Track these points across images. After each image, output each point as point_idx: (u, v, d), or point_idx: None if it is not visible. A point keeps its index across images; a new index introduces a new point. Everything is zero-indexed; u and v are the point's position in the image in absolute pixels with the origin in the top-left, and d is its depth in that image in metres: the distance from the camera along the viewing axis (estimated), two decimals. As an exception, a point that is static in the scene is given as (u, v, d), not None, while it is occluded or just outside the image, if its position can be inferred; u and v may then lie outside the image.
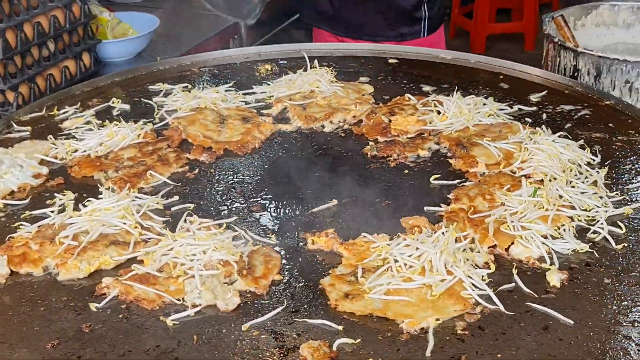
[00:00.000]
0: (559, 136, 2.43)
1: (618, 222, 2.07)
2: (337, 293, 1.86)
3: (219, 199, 2.28)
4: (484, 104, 2.69)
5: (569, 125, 2.63)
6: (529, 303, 1.82)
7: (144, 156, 2.44)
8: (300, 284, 1.91)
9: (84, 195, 2.28)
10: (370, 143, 2.56)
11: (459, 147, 2.45)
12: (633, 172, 2.33)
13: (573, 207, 2.13)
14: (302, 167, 2.44)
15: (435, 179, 2.34)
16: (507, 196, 2.14)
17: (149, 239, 2.07)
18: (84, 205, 2.16)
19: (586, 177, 2.26)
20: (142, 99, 2.89)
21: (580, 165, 2.33)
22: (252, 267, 1.95)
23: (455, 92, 2.74)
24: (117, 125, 2.58)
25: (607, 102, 2.77)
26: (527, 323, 1.76)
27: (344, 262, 1.97)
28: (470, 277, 1.86)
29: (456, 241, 1.97)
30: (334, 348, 1.70)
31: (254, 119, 2.68)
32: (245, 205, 2.25)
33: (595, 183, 2.25)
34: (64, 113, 2.80)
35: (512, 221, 2.05)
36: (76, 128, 2.68)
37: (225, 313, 1.83)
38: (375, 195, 2.27)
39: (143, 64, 3.51)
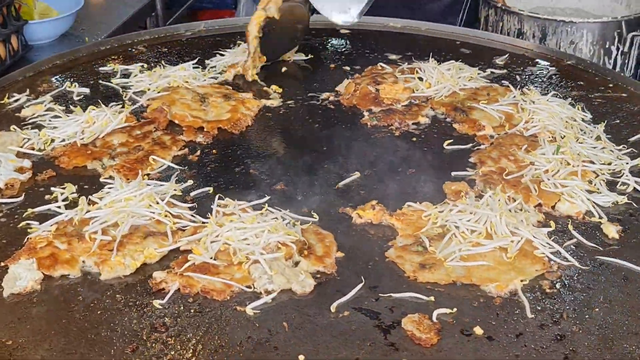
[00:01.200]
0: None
1: (639, 172, 2.12)
2: (410, 264, 1.80)
3: (236, 180, 2.16)
4: (461, 69, 2.69)
5: (545, 85, 2.67)
6: (598, 257, 1.83)
7: (137, 141, 2.26)
8: (366, 259, 1.83)
9: (85, 187, 2.07)
10: (366, 113, 2.49)
11: (458, 112, 2.45)
12: (627, 126, 2.40)
13: (592, 162, 2.17)
14: (307, 141, 2.37)
15: (448, 144, 2.30)
16: (534, 156, 2.15)
17: (185, 227, 1.91)
18: (97, 199, 2.00)
19: (585, 133, 2.32)
20: (98, 82, 2.66)
21: (577, 122, 2.37)
22: (310, 246, 1.84)
23: (430, 59, 2.71)
24: (93, 109, 2.35)
25: (569, 62, 2.85)
26: (606, 276, 1.78)
27: (400, 233, 1.92)
28: (535, 237, 1.85)
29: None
30: (434, 319, 1.63)
31: (235, 96, 2.54)
32: (267, 184, 2.14)
33: (598, 138, 2.30)
34: (16, 101, 2.51)
35: (549, 179, 2.05)
36: (39, 116, 2.41)
37: (302, 296, 1.71)
38: (394, 164, 2.22)
39: (71, 46, 3.25)
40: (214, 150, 2.28)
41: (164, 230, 1.90)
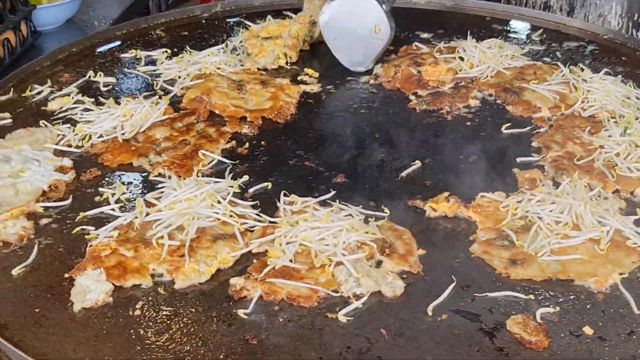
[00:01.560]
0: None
1: None
2: (499, 260, 1.71)
3: (292, 174, 2.05)
4: (501, 47, 2.59)
5: (588, 61, 2.59)
6: (693, 243, 1.76)
7: (181, 134, 2.12)
8: (450, 256, 1.74)
9: (135, 186, 1.94)
10: (412, 97, 2.38)
11: (509, 93, 2.36)
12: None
13: (658, 142, 2.09)
14: (357, 129, 2.26)
15: (506, 128, 2.21)
16: (601, 138, 2.08)
17: (252, 227, 1.79)
18: (154, 200, 1.89)
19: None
20: (123, 70, 2.50)
21: (633, 101, 2.30)
22: (391, 244, 1.74)
23: (468, 37, 2.61)
24: (129, 101, 2.21)
25: (606, 37, 2.76)
26: None
27: (480, 227, 1.83)
28: (624, 226, 1.77)
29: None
30: (539, 320, 1.55)
31: (272, 82, 2.42)
32: (326, 177, 2.03)
33: (658, 117, 2.23)
34: (38, 93, 2.36)
35: (622, 163, 1.97)
36: (68, 109, 2.26)
37: (393, 299, 1.61)
38: (454, 151, 2.12)
39: (79, 31, 3.08)
40: (262, 142, 2.16)
41: (231, 232, 1.78)
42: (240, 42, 2.63)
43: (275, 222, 1.81)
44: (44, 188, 1.93)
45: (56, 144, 2.11)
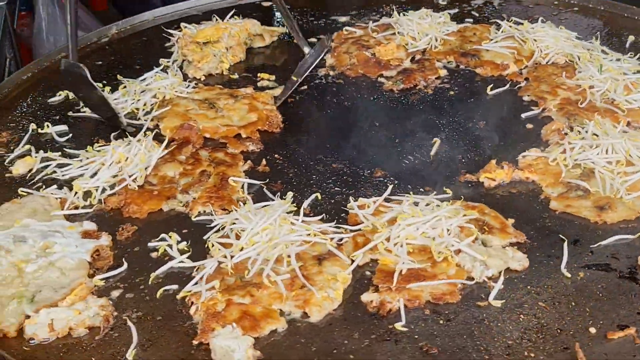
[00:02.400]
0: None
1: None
2: (588, 210, 1.80)
3: (328, 178, 1.98)
4: (429, 15, 2.66)
5: (504, 14, 2.74)
6: None
7: (194, 167, 1.98)
8: (536, 218, 1.80)
9: (183, 231, 1.79)
10: (383, 80, 2.39)
11: (469, 58, 2.45)
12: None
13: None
14: (353, 121, 2.22)
15: (491, 90, 2.29)
16: (585, 79, 2.22)
17: (341, 240, 1.73)
18: (225, 241, 1.74)
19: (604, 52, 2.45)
20: (66, 114, 2.26)
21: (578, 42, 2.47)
22: (481, 221, 1.76)
23: (395, 13, 2.66)
24: (118, 145, 2.01)
25: (502, -10, 2.92)
26: None
27: (544, 184, 1.89)
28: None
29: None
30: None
31: (238, 93, 2.32)
32: (364, 174, 2.00)
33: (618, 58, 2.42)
34: None
35: (619, 97, 2.14)
36: (38, 170, 2.02)
37: (524, 272, 1.64)
38: (460, 122, 2.17)
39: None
40: (275, 155, 2.05)
41: (324, 251, 1.70)
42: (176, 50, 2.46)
43: (359, 230, 1.73)
44: (87, 259, 1.69)
45: (63, 209, 1.84)
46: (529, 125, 2.11)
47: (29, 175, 2.01)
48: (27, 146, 2.12)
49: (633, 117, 2.06)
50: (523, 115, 2.15)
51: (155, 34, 2.69)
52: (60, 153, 2.07)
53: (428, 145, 2.06)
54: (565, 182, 1.85)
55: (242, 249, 1.67)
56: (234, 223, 1.75)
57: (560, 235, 1.71)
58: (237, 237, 1.71)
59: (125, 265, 1.69)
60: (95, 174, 1.96)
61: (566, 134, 2.01)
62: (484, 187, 1.89)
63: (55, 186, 1.95)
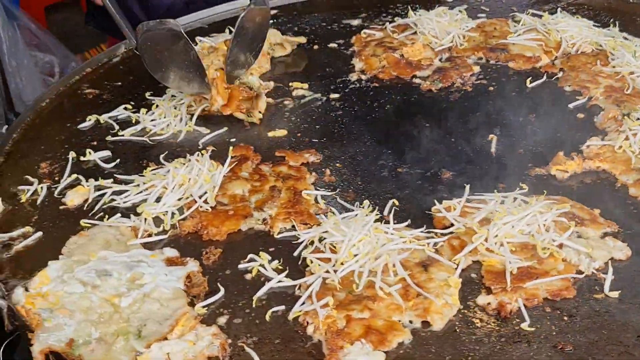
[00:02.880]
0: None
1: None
2: (666, 196, 1.81)
3: (398, 184, 1.96)
4: (445, 13, 2.67)
5: (512, 6, 2.77)
6: None
7: (262, 183, 1.93)
8: (620, 205, 1.83)
9: (270, 249, 1.75)
10: (418, 80, 2.39)
11: (498, 52, 2.46)
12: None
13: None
14: (403, 125, 2.20)
15: (530, 83, 2.31)
16: (623, 66, 2.26)
17: (436, 245, 1.72)
18: (322, 257, 1.70)
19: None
20: (105, 139, 2.19)
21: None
22: (571, 214, 1.77)
23: (410, 12, 2.66)
24: (176, 167, 1.95)
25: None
26: None
27: (617, 172, 1.92)
28: None
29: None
30: None
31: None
32: (431, 176, 1.99)
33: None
34: (32, 194, 1.98)
35: None
36: (94, 200, 1.94)
37: (627, 260, 1.66)
38: (509, 117, 2.18)
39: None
40: (337, 164, 2.02)
41: (425, 257, 1.68)
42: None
43: (451, 233, 1.71)
44: (181, 287, 1.63)
45: (137, 238, 1.77)
46: (580, 115, 2.13)
47: (85, 205, 1.90)
48: (74, 175, 2.00)
49: (678, 106, 2.09)
50: (571, 106, 2.16)
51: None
52: (112, 180, 1.97)
53: (485, 142, 2.05)
54: (638, 168, 1.86)
55: (342, 263, 1.62)
56: (323, 237, 1.70)
57: (642, 219, 1.71)
58: (332, 251, 1.66)
59: (222, 289, 1.63)
60: (159, 198, 1.87)
61: (622, 120, 2.02)
62: (557, 179, 1.89)
63: (118, 214, 1.86)
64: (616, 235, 1.69)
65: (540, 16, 2.55)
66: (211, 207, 1.83)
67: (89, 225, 1.83)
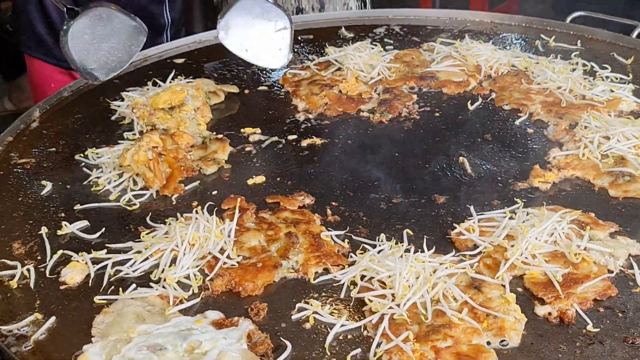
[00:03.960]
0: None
1: None
2: (645, 190, 2.03)
3: (396, 215, 2.01)
4: (363, 47, 2.80)
5: (412, 37, 2.97)
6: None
7: (275, 231, 1.93)
8: (609, 206, 2.00)
9: (314, 295, 1.77)
10: (366, 114, 2.48)
11: (429, 80, 2.61)
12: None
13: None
14: (370, 158, 2.26)
15: (471, 105, 2.49)
16: (548, 81, 2.49)
17: (472, 266, 1.82)
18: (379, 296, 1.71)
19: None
20: (70, 211, 2.08)
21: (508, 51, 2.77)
22: (577, 220, 1.94)
23: (329, 49, 2.76)
24: (182, 226, 1.91)
25: (392, 17, 3.15)
26: None
27: (591, 178, 2.10)
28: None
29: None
30: None
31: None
32: (426, 203, 2.06)
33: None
34: (20, 279, 1.86)
35: (586, 92, 2.44)
36: (97, 275, 1.86)
37: None
38: (467, 139, 2.31)
39: None
40: (332, 203, 2.06)
41: (468, 279, 1.77)
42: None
43: (480, 253, 1.81)
44: (247, 349, 1.60)
45: (170, 306, 1.70)
46: (529, 130, 2.29)
47: (90, 281, 1.78)
48: (59, 252, 1.87)
49: (610, 107, 2.33)
50: (517, 122, 2.33)
51: (83, 109, 2.51)
52: (105, 250, 1.86)
53: (458, 164, 2.15)
54: (607, 171, 2.05)
55: (394, 296, 1.65)
56: (364, 275, 1.72)
57: (641, 217, 1.89)
58: (382, 287, 1.68)
59: (289, 344, 1.59)
60: (173, 261, 1.79)
61: (573, 131, 2.21)
62: (541, 190, 2.03)
63: (134, 285, 1.75)
64: (621, 234, 1.83)
65: (449, 44, 2.69)
66: (237, 262, 1.77)
67: (105, 301, 1.69)
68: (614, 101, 2.34)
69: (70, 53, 2.17)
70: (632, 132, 2.13)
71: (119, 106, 2.42)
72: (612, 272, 1.72)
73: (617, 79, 2.51)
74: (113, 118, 2.44)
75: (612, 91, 2.41)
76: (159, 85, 2.49)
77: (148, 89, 2.45)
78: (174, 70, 2.57)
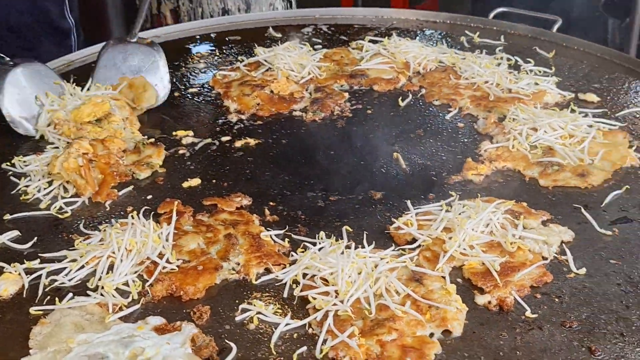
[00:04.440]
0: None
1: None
2: (575, 180, 2.08)
3: (340, 211, 2.02)
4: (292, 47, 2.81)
5: (339, 37, 3.00)
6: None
7: (214, 233, 1.91)
8: (539, 195, 2.06)
9: (256, 295, 1.78)
10: (299, 113, 2.49)
11: (359, 78, 2.64)
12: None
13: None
14: (307, 157, 2.27)
15: (402, 101, 2.53)
16: (473, 76, 2.55)
17: (412, 259, 1.86)
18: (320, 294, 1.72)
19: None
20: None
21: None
22: (510, 211, 1.98)
23: (258, 49, 2.77)
24: (117, 232, 1.88)
25: (318, 16, 3.18)
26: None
27: (521, 169, 2.15)
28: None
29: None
30: (650, 197, 2.04)
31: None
32: (364, 199, 2.07)
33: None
34: None
35: (511, 85, 2.51)
36: (30, 285, 1.82)
37: (575, 242, 1.90)
38: (400, 135, 2.34)
39: None
40: (270, 203, 2.05)
41: (409, 273, 1.79)
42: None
43: (419, 246, 1.84)
44: (192, 352, 1.59)
45: (109, 314, 1.68)
46: (460, 124, 2.34)
47: (24, 292, 1.74)
48: (-5, 279, 1.81)
49: (536, 99, 2.39)
50: (447, 117, 2.37)
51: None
52: (39, 260, 1.82)
53: (391, 160, 2.18)
54: (536, 162, 2.11)
55: (337, 293, 1.66)
56: (306, 273, 1.73)
57: (574, 205, 1.95)
58: (325, 284, 1.69)
59: (234, 345, 1.58)
60: (110, 268, 1.77)
61: (502, 123, 2.26)
62: (475, 183, 2.07)
63: (70, 294, 1.72)
64: (553, 222, 1.89)
65: (378, 41, 2.73)
66: (178, 267, 1.75)
67: (41, 312, 1.65)
68: (539, 94, 2.40)
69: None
70: (558, 123, 2.18)
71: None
72: (547, 259, 1.77)
73: (540, 72, 2.57)
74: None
75: (536, 84, 2.46)
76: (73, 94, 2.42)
77: (64, 99, 2.37)
78: (90, 79, 2.50)
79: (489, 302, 1.66)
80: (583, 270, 1.74)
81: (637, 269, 1.74)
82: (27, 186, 2.08)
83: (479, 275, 1.71)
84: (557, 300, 1.66)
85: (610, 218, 1.91)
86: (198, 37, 3.00)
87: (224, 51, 2.83)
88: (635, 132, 2.25)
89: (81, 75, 2.55)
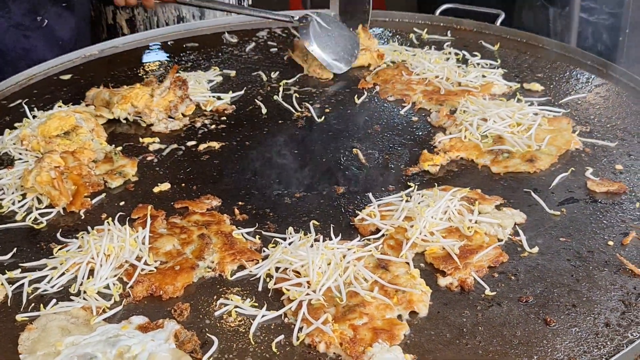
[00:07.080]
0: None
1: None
2: (524, 166, 2.21)
3: (306, 207, 2.12)
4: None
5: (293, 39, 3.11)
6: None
7: (188, 234, 2.00)
8: (490, 181, 2.19)
9: (233, 290, 1.88)
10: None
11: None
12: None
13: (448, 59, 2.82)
14: (267, 157, 2.37)
15: (359, 99, 2.65)
16: (423, 72, 2.69)
17: (377, 248, 1.98)
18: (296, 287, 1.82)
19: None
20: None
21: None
22: (466, 197, 2.12)
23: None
24: (95, 239, 1.97)
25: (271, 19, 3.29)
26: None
27: (474, 158, 2.28)
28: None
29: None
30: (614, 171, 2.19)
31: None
32: (328, 194, 2.18)
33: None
34: None
35: (460, 79, 2.66)
36: (14, 294, 1.91)
37: (527, 223, 2.04)
38: (357, 130, 2.46)
39: None
40: (239, 203, 2.15)
41: (375, 261, 1.90)
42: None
43: (383, 235, 1.96)
44: (175, 347, 1.69)
45: (94, 316, 1.77)
46: (414, 118, 2.46)
47: (8, 301, 1.82)
48: (-31, 279, 1.88)
49: (484, 91, 2.53)
50: (402, 112, 2.50)
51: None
52: (20, 270, 1.90)
53: (352, 156, 2.29)
54: (488, 150, 2.25)
55: (309, 283, 1.77)
56: (279, 267, 1.83)
57: (524, 189, 2.09)
58: (297, 276, 1.80)
59: (215, 339, 1.68)
60: (90, 273, 1.85)
61: (454, 115, 2.40)
62: (431, 173, 2.20)
63: (54, 300, 1.80)
64: (506, 206, 2.02)
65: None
66: (155, 267, 1.84)
67: (27, 319, 1.74)
68: (487, 85, 2.54)
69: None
70: (506, 113, 2.32)
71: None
72: (502, 240, 1.89)
73: (487, 64, 2.71)
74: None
75: (484, 76, 2.60)
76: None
77: (29, 121, 2.45)
78: (60, 101, 2.58)
79: (451, 284, 1.78)
80: (536, 249, 1.86)
81: (585, 245, 1.87)
82: (1, 199, 2.13)
83: (440, 259, 1.82)
84: (513, 278, 1.78)
85: (558, 199, 2.04)
86: (157, 45, 3.06)
87: (182, 58, 2.90)
88: (578, 117, 2.39)
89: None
